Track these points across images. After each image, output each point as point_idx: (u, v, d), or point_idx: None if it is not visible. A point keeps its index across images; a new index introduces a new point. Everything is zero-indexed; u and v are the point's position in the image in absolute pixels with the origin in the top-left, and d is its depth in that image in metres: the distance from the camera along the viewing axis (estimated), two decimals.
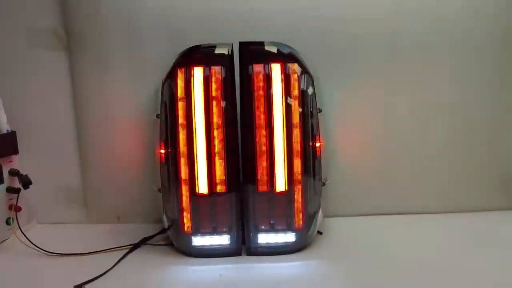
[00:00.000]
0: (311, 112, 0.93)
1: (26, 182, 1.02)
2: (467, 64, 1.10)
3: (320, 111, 0.95)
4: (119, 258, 0.95)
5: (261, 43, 0.96)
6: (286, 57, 0.93)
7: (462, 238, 1.02)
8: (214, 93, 0.91)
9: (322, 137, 0.96)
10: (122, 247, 0.99)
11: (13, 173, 1.04)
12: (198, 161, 0.92)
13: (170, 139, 0.92)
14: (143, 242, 1.02)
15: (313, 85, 0.93)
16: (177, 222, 0.95)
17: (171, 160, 0.92)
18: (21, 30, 1.08)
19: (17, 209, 1.03)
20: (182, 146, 0.91)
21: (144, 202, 1.13)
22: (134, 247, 1.00)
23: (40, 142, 1.11)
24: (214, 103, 0.91)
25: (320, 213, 0.97)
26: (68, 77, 1.09)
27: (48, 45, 1.07)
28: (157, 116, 0.95)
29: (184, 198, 0.93)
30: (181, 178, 0.92)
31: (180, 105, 0.91)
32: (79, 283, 0.84)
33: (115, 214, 1.14)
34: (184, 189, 0.92)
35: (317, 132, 0.94)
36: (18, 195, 1.03)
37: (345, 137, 1.11)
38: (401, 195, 1.13)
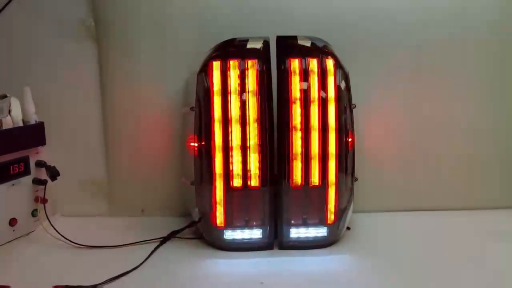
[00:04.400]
0: (345, 107, 0.93)
1: (54, 174, 1.01)
2: (492, 62, 1.11)
3: (354, 106, 0.95)
4: (148, 251, 0.94)
5: (295, 37, 0.96)
6: (322, 52, 0.93)
7: (487, 233, 1.03)
8: (250, 87, 0.91)
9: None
10: (151, 241, 0.99)
11: (40, 164, 1.02)
12: (233, 155, 0.91)
13: (205, 133, 0.92)
14: (172, 235, 1.01)
15: (347, 80, 0.94)
16: (208, 216, 0.95)
17: (205, 154, 0.92)
18: (49, 20, 1.06)
19: (44, 201, 1.02)
20: (218, 140, 0.91)
21: (169, 195, 1.13)
22: (164, 240, 0.99)
23: (65, 133, 1.10)
24: (250, 96, 0.91)
25: (351, 208, 0.98)
26: (96, 67, 1.08)
27: (77, 35, 1.06)
28: (192, 109, 0.94)
29: (218, 191, 0.93)
30: (215, 171, 0.92)
31: (216, 98, 0.91)
32: (114, 275, 0.84)
33: (139, 207, 1.14)
34: (218, 183, 0.92)
35: (350, 127, 0.94)
36: (45, 187, 1.02)
37: (369, 133, 1.12)
38: (426, 191, 1.14)
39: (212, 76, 0.91)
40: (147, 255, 0.92)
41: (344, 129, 0.93)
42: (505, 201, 1.16)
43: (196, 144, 0.95)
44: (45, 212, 1.00)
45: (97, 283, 0.81)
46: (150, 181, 1.12)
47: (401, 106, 1.12)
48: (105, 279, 0.82)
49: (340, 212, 0.95)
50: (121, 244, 0.98)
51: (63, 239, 0.98)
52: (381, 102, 1.11)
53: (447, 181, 1.14)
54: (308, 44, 0.94)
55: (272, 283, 0.83)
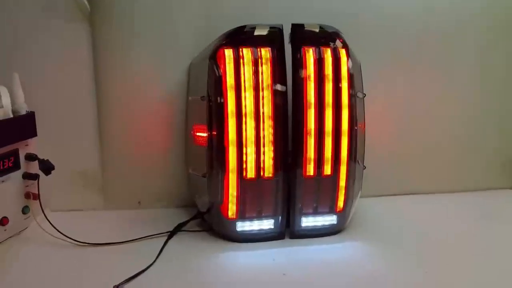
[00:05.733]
0: (356, 96, 0.94)
1: (49, 168, 0.93)
2: (486, 50, 1.16)
3: (364, 95, 0.96)
4: (156, 246, 0.90)
5: (307, 25, 0.94)
6: (336, 41, 0.92)
7: (488, 214, 1.10)
8: (264, 76, 0.88)
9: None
10: (156, 235, 0.95)
11: (31, 157, 0.94)
12: (247, 145, 0.89)
13: (217, 123, 0.89)
14: (179, 228, 0.98)
15: (359, 69, 0.94)
16: (218, 207, 0.93)
17: (218, 145, 0.89)
18: None
19: (36, 197, 0.95)
20: (231, 130, 0.88)
21: (167, 186, 1.09)
22: (171, 234, 0.96)
23: (55, 122, 1.02)
24: (264, 86, 0.89)
25: (358, 196, 1.00)
26: (90, 51, 0.99)
27: (68, 15, 0.97)
28: (202, 98, 0.90)
29: (231, 183, 0.90)
30: (228, 162, 0.89)
31: (228, 87, 0.88)
32: (126, 274, 0.79)
33: (135, 199, 1.09)
34: (231, 174, 0.90)
35: (361, 116, 0.95)
36: (38, 182, 0.94)
37: (373, 121, 1.13)
38: (425, 176, 1.19)
39: (223, 64, 0.88)
40: (158, 252, 0.89)
41: (356, 117, 0.93)
42: (498, 183, 1.24)
43: (205, 134, 0.92)
44: (41, 208, 0.93)
45: (108, 283, 0.77)
46: (147, 171, 1.07)
47: (400, 96, 1.14)
48: (116, 279, 0.78)
49: (349, 200, 0.97)
50: (125, 240, 0.93)
51: (61, 237, 0.92)
52: (381, 92, 1.12)
53: (442, 165, 1.19)
54: (323, 32, 0.93)
55: (293, 273, 0.84)
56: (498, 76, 1.18)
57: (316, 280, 0.82)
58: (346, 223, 0.99)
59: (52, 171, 0.95)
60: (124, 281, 0.78)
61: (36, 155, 0.95)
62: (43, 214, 0.94)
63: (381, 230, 1.01)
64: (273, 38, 0.90)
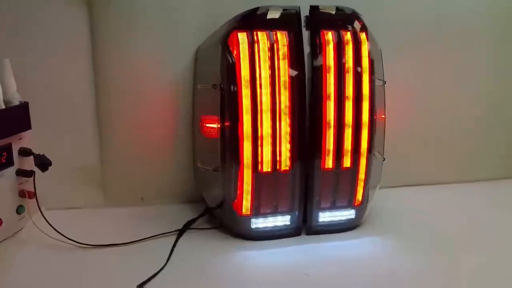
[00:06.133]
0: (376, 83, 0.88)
1: (46, 164, 0.85)
2: (500, 41, 1.12)
3: (384, 83, 0.90)
4: (165, 246, 0.84)
5: (321, 7, 0.87)
6: (355, 23, 0.86)
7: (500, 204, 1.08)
8: (281, 62, 0.82)
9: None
10: (164, 234, 0.89)
11: (25, 152, 0.86)
12: (263, 136, 0.83)
13: (230, 113, 0.82)
14: (187, 227, 0.92)
15: (380, 55, 0.88)
16: (230, 203, 0.86)
17: (231, 136, 0.83)
18: None
19: (32, 195, 0.87)
20: (246, 122, 0.82)
21: (173, 181, 1.02)
22: (180, 233, 0.90)
23: (51, 114, 0.94)
24: (281, 73, 0.82)
25: (377, 188, 0.95)
26: (88, 37, 0.91)
27: None
28: (214, 86, 0.83)
29: (245, 177, 0.84)
30: (243, 155, 0.83)
31: (242, 75, 0.81)
32: (138, 278, 0.73)
33: (138, 195, 1.02)
34: (246, 168, 0.83)
35: (381, 105, 0.90)
36: (34, 179, 0.86)
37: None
38: (438, 166, 1.15)
39: (238, 49, 0.81)
40: (169, 253, 0.82)
41: (376, 105, 0.88)
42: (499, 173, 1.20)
43: (216, 126, 0.85)
44: (39, 207, 0.86)
45: None
46: (150, 165, 1.00)
47: (411, 84, 1.10)
48: (123, 285, 0.72)
49: (368, 194, 0.92)
50: (130, 240, 0.86)
51: (60, 238, 0.85)
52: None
53: (455, 155, 1.15)
54: (342, 15, 0.87)
55: (316, 273, 0.78)
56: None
57: (341, 280, 0.77)
58: (364, 218, 0.95)
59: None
60: (139, 285, 0.72)
61: (30, 150, 0.86)
62: (39, 214, 0.86)
63: (399, 224, 0.97)
64: (290, 21, 0.83)
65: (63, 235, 0.85)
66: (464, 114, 1.14)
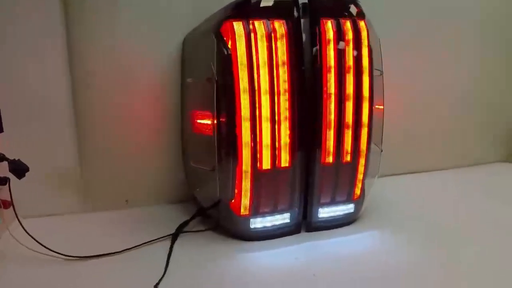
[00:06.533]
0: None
1: (23, 170, 0.77)
2: (487, 34, 1.12)
3: (381, 73, 0.87)
4: (159, 254, 0.78)
5: None
6: (355, 12, 0.82)
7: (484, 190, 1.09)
8: (279, 52, 0.77)
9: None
10: (157, 240, 0.83)
11: None
12: (263, 131, 0.78)
13: (226, 108, 0.77)
14: (181, 229, 0.86)
15: (379, 44, 0.85)
16: (227, 203, 0.82)
17: (228, 133, 0.77)
18: None
19: (8, 205, 0.78)
20: (244, 116, 0.77)
21: (160, 180, 0.97)
22: (174, 237, 0.84)
23: (24, 116, 0.85)
24: (280, 64, 0.78)
25: (374, 180, 0.93)
26: (63, 27, 0.82)
27: None
28: (208, 79, 0.77)
29: (244, 175, 0.79)
30: (242, 153, 0.78)
31: (240, 67, 0.76)
32: None
33: (122, 198, 0.95)
34: (245, 166, 0.79)
35: (380, 96, 0.87)
36: (9, 186, 0.78)
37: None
38: (428, 154, 1.15)
39: (233, 39, 0.76)
40: (166, 260, 0.76)
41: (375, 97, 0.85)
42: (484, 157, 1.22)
43: (209, 122, 0.80)
44: (17, 217, 0.77)
45: None
46: (134, 165, 0.94)
47: (400, 75, 1.07)
48: None
49: (366, 187, 0.90)
50: (121, 249, 0.79)
51: (42, 250, 0.77)
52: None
53: (445, 143, 1.15)
54: (340, 3, 0.83)
55: (322, 272, 0.75)
56: (497, 58, 1.16)
57: (348, 278, 0.74)
58: (362, 211, 0.92)
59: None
60: None
61: (3, 155, 0.78)
62: (16, 223, 0.78)
63: (395, 215, 0.95)
64: (288, 9, 0.78)
65: (46, 247, 0.77)
66: (453, 103, 1.14)
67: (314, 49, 0.79)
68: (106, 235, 0.86)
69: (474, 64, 1.13)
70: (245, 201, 0.81)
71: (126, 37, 0.86)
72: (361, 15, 0.82)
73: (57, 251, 0.77)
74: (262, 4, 0.79)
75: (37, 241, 0.78)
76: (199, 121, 0.83)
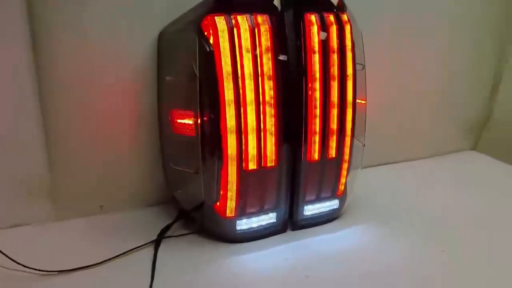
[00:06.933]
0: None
1: None
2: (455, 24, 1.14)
3: (363, 67, 0.86)
4: (142, 263, 0.74)
5: None
6: (337, 5, 0.80)
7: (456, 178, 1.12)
8: (263, 48, 0.74)
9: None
10: (138, 248, 0.78)
11: None
12: (248, 130, 0.75)
13: (210, 107, 0.73)
14: (163, 235, 0.82)
15: (361, 37, 0.84)
16: (211, 206, 0.79)
17: (212, 133, 0.74)
18: None
19: None
20: (229, 115, 0.73)
21: (136, 182, 0.91)
22: (156, 244, 0.80)
23: None
24: (264, 61, 0.75)
25: (356, 175, 0.92)
26: (25, 18, 0.74)
27: None
28: (191, 78, 0.73)
29: (230, 177, 0.76)
30: (227, 153, 0.75)
31: (223, 64, 0.72)
32: None
33: (96, 203, 0.89)
34: (230, 166, 0.76)
35: (363, 90, 0.86)
36: None
37: None
38: (392, 147, 1.16)
39: (216, 35, 0.72)
40: (151, 270, 0.73)
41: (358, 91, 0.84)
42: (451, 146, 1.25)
43: (191, 122, 0.76)
44: None
45: None
46: (108, 168, 0.88)
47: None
48: None
49: (350, 182, 0.89)
50: (100, 260, 0.74)
51: (13, 266, 0.71)
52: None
53: (413, 133, 1.17)
54: None
55: (314, 273, 0.74)
56: (464, 53, 1.18)
57: (339, 275, 0.74)
58: (345, 206, 0.92)
59: None
60: None
61: None
62: None
63: (375, 208, 0.95)
64: (270, 3, 0.75)
65: (16, 261, 0.71)
66: (424, 89, 1.15)
67: (298, 43, 0.77)
68: (83, 245, 0.80)
69: (442, 59, 1.14)
70: (231, 202, 0.79)
71: (95, 31, 0.79)
72: (343, 7, 0.81)
73: (29, 266, 0.71)
74: None
75: (5, 255, 0.72)
76: (179, 121, 0.79)
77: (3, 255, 0.72)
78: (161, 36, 0.82)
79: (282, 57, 0.75)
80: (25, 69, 0.77)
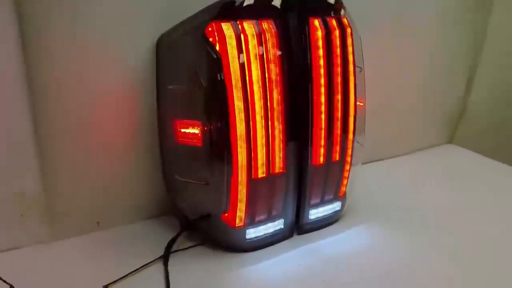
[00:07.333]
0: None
1: None
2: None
3: (361, 70, 0.87)
4: (154, 280, 0.72)
5: None
6: (339, 9, 0.80)
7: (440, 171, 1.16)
8: (270, 54, 0.73)
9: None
10: (146, 266, 0.75)
11: None
12: (258, 137, 0.74)
13: (219, 115, 0.71)
14: (170, 249, 0.79)
15: (359, 40, 0.84)
16: (218, 216, 0.77)
17: (221, 142, 0.72)
18: None
19: None
20: (239, 123, 0.72)
21: (135, 195, 0.87)
22: (165, 260, 0.77)
23: None
24: (271, 67, 0.74)
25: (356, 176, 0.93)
26: (15, 21, 0.69)
27: None
28: (197, 86, 0.70)
29: (240, 186, 0.75)
30: (237, 162, 0.73)
31: (232, 71, 0.70)
32: None
33: (93, 220, 0.84)
34: (240, 176, 0.74)
35: (362, 92, 0.87)
36: None
37: None
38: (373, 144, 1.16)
39: (223, 42, 0.70)
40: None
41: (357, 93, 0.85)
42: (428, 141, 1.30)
43: (198, 131, 0.74)
44: None
45: None
46: (105, 182, 0.84)
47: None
48: None
49: (351, 183, 0.90)
50: (109, 282, 0.70)
51: None
52: None
53: (395, 130, 1.19)
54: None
55: (329, 277, 0.75)
56: (445, 49, 1.21)
57: (358, 279, 0.75)
58: (346, 208, 0.93)
59: None
60: None
61: None
62: None
63: (372, 206, 0.97)
64: (274, 9, 0.74)
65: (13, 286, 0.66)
66: (404, 85, 1.18)
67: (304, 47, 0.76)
68: (83, 266, 0.76)
69: (420, 56, 1.17)
70: (240, 212, 0.77)
71: (91, 36, 0.75)
72: (341, 8, 0.81)
73: None
74: (246, 3, 0.73)
75: (4, 280, 0.67)
76: (183, 130, 0.76)
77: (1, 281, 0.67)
78: (160, 43, 0.79)
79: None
80: (17, 78, 0.71)
